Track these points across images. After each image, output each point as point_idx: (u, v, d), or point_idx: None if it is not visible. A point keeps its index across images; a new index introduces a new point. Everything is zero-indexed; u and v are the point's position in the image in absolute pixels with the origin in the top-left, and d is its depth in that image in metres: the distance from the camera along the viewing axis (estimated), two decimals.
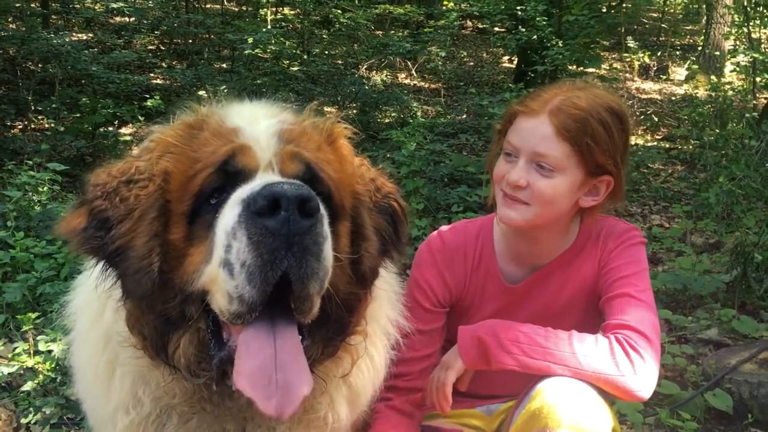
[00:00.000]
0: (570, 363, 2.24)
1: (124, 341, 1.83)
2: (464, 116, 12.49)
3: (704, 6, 16.24)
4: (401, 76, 15.38)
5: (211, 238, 1.64)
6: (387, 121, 12.06)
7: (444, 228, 2.77)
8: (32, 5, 13.62)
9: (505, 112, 2.57)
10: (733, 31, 14.16)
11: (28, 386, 4.03)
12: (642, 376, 2.22)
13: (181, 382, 1.81)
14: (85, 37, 14.08)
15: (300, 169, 1.72)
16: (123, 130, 10.76)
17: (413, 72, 15.31)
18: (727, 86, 12.92)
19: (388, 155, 8.68)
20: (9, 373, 4.18)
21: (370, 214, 1.88)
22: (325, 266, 1.59)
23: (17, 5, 12.37)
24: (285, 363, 1.61)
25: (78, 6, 14.85)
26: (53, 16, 14.33)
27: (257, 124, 1.79)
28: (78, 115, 10.33)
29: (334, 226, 1.73)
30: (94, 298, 1.93)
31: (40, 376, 4.09)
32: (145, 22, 14.06)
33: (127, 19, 14.87)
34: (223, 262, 1.56)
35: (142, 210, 1.70)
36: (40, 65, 11.21)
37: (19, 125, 10.54)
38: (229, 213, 1.58)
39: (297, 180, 1.66)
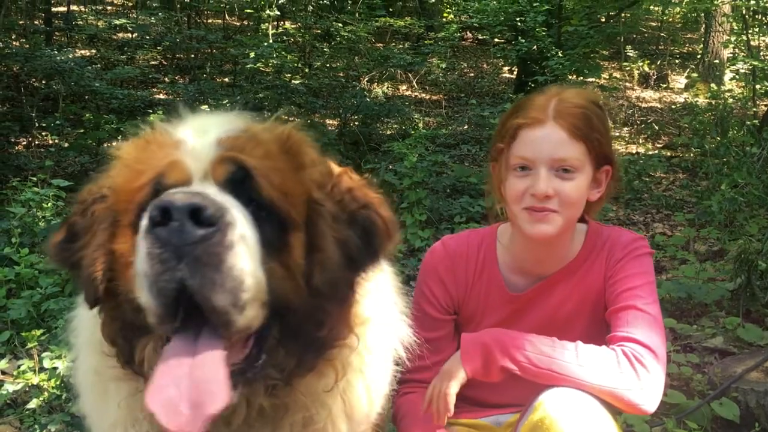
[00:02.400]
0: (574, 374, 2.24)
1: (107, 351, 1.85)
2: (465, 127, 12.54)
3: (703, 14, 16.29)
4: (402, 87, 15.44)
5: None
6: (389, 132, 12.10)
7: (447, 237, 2.79)
8: (36, 23, 13.73)
9: (502, 131, 2.53)
10: (732, 39, 14.23)
11: (33, 404, 4.03)
12: (647, 390, 2.22)
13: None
14: (88, 54, 14.18)
15: (230, 171, 1.67)
16: None
17: (414, 84, 15.37)
18: (727, 94, 12.96)
19: (390, 167, 8.71)
20: (14, 391, 4.19)
21: (333, 225, 1.75)
22: (235, 277, 1.51)
23: (21, 23, 12.48)
24: (199, 379, 1.57)
25: (81, 23, 14.97)
26: (56, 33, 14.43)
27: (202, 134, 1.75)
28: (82, 130, 10.39)
29: (285, 236, 1.68)
30: (93, 313, 1.95)
31: (45, 393, 4.09)
32: (148, 37, 14.15)
33: (129, 35, 14.96)
34: (136, 273, 1.57)
35: (98, 223, 1.76)
36: (43, 82, 11.28)
37: (23, 142, 10.60)
38: (142, 225, 1.58)
39: (229, 181, 1.64)
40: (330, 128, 11.99)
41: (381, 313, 2.04)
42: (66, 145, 10.21)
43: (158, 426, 1.76)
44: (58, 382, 4.10)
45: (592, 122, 2.39)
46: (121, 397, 1.88)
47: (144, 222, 1.53)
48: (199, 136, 1.74)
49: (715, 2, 13.92)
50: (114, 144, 1.96)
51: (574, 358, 2.26)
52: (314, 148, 1.85)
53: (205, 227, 1.48)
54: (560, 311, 2.57)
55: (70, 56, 11.55)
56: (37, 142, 10.47)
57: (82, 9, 16.45)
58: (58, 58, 10.72)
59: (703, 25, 16.83)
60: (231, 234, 1.52)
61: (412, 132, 10.12)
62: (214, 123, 1.81)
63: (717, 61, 15.10)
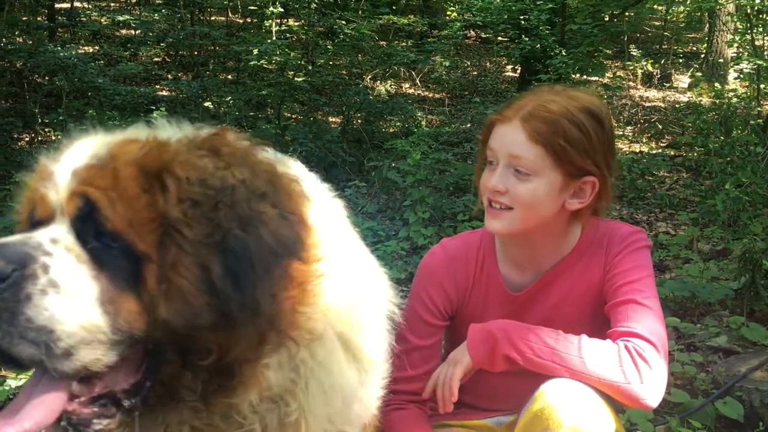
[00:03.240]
0: (576, 366, 2.24)
1: None
2: (468, 125, 12.52)
3: (707, 14, 16.26)
4: (405, 85, 15.44)
5: None
6: (392, 130, 12.10)
7: (446, 239, 2.78)
8: (39, 19, 13.73)
9: (485, 124, 2.57)
10: (737, 38, 14.19)
11: None
12: (649, 384, 2.21)
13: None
14: (91, 50, 14.18)
15: (78, 206, 1.66)
16: None
17: (417, 82, 15.37)
18: (731, 93, 12.93)
19: (393, 165, 8.71)
20: (17, 387, 4.19)
21: (191, 251, 1.60)
22: (38, 328, 1.52)
23: (24, 19, 12.49)
24: (26, 405, 1.61)
25: (84, 19, 14.98)
26: (60, 30, 14.44)
27: (66, 163, 1.74)
28: (85, 127, 10.39)
29: (139, 268, 1.61)
30: None
31: None
32: (151, 34, 14.14)
33: (132, 31, 14.98)
34: None
35: None
36: (47, 78, 11.31)
37: (26, 138, 10.64)
38: None
39: (78, 217, 1.65)
40: (333, 126, 12.00)
41: (345, 322, 1.94)
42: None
43: None
44: None
45: (560, 129, 2.33)
46: None
47: None
48: (62, 167, 1.73)
49: (720, 1, 13.89)
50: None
51: (576, 351, 2.26)
52: (196, 161, 1.66)
53: None
54: (561, 308, 2.56)
55: (74, 52, 11.58)
56: (40, 138, 10.49)
57: (86, 5, 16.46)
58: (61, 54, 10.75)
59: (707, 25, 16.81)
60: (29, 286, 1.53)
61: (415, 130, 10.12)
62: (79, 151, 1.77)
63: (721, 60, 15.07)
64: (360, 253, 2.15)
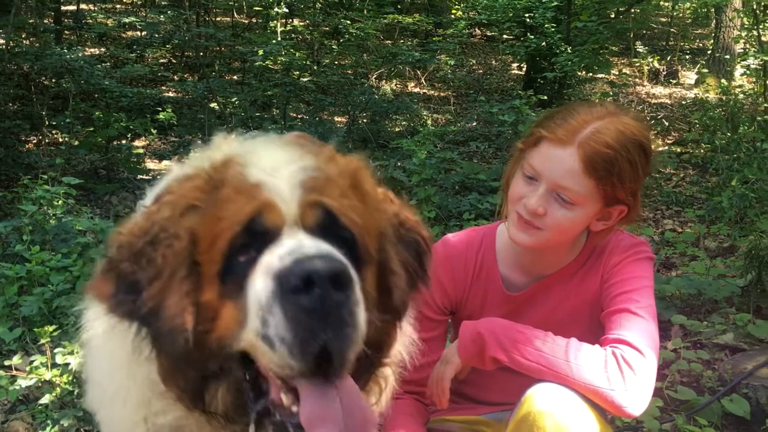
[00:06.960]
0: (561, 369, 2.25)
1: (155, 388, 1.84)
2: (474, 124, 12.53)
3: (713, 10, 16.19)
4: (411, 84, 15.45)
5: (243, 300, 1.63)
6: (397, 129, 12.12)
7: (449, 236, 2.80)
8: (45, 21, 13.80)
9: (529, 132, 2.53)
10: (743, 34, 14.13)
11: (45, 399, 4.07)
12: (632, 392, 2.21)
13: (215, 428, 1.81)
14: (97, 52, 14.25)
15: (319, 217, 1.69)
16: (136, 143, 10.88)
17: (423, 80, 15.37)
18: (738, 89, 12.88)
19: (399, 164, 8.72)
20: (27, 387, 4.23)
21: (396, 249, 1.84)
22: (361, 330, 1.60)
23: (31, 21, 12.55)
24: (353, 405, 1.65)
25: (90, 21, 15.05)
26: (66, 32, 14.51)
27: (279, 174, 1.73)
28: (91, 129, 10.47)
29: (360, 271, 1.70)
30: (115, 338, 1.90)
31: (58, 389, 4.13)
32: (157, 36, 14.21)
33: (138, 33, 15.05)
34: (261, 336, 1.57)
35: (171, 269, 1.69)
36: (53, 80, 11.36)
37: (33, 140, 10.70)
38: (261, 285, 1.58)
39: (318, 226, 1.67)
40: (339, 125, 12.02)
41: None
42: (76, 143, 10.28)
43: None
44: (70, 378, 4.13)
45: (615, 166, 2.33)
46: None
47: (270, 286, 1.55)
48: (276, 177, 1.72)
49: None
50: (164, 179, 1.92)
51: (563, 354, 2.28)
52: (371, 176, 1.91)
53: (342, 290, 1.54)
54: (557, 313, 2.58)
55: (80, 55, 11.63)
56: (47, 141, 10.56)
57: (92, 7, 16.53)
58: (67, 56, 10.81)
59: (714, 21, 16.74)
60: (357, 291, 1.58)
61: (421, 129, 10.13)
62: (283, 160, 1.78)
63: (728, 56, 15.01)
64: None
